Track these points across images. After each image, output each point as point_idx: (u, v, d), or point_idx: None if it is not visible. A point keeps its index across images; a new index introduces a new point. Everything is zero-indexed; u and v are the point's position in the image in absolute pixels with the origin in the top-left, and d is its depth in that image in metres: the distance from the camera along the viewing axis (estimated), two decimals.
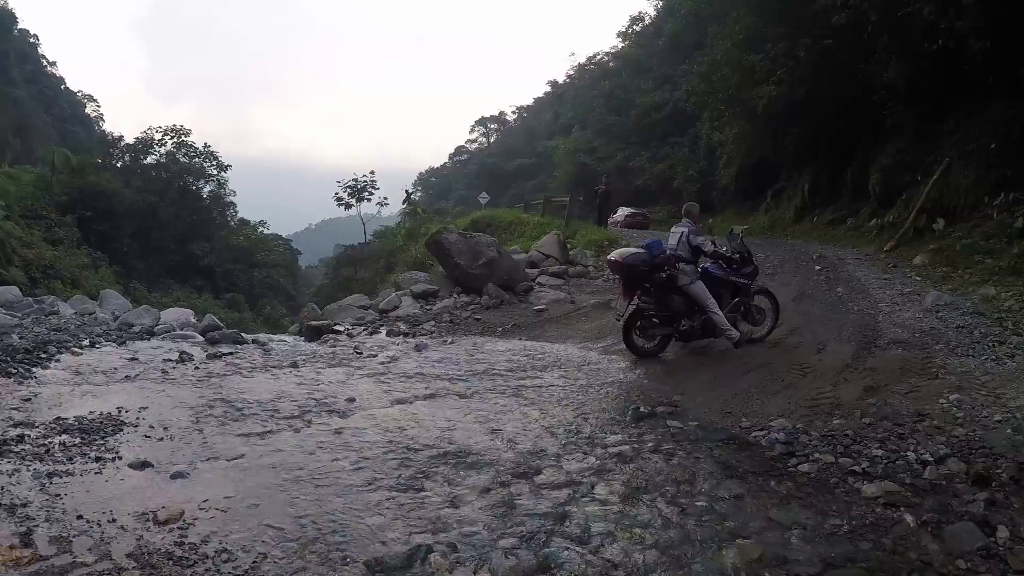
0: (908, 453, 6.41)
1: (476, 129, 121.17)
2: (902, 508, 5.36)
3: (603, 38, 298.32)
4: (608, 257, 10.59)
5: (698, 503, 5.44)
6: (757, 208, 32.74)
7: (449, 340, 11.78)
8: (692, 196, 40.75)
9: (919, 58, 19.65)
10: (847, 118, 24.18)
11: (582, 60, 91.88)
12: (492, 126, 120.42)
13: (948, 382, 8.32)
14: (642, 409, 7.73)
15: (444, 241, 15.59)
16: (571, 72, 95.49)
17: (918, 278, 14.36)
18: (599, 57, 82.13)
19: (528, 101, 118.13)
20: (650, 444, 6.69)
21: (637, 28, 68.98)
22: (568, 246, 19.02)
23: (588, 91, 72.00)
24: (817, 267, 16.20)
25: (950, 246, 15.90)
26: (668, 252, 10.07)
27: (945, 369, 8.85)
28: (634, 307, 10.14)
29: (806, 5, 24.78)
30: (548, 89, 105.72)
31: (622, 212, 36.62)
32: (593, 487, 5.69)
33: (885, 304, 12.55)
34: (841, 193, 25.23)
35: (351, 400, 7.96)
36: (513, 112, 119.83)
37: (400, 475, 5.81)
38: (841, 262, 16.81)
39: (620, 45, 73.40)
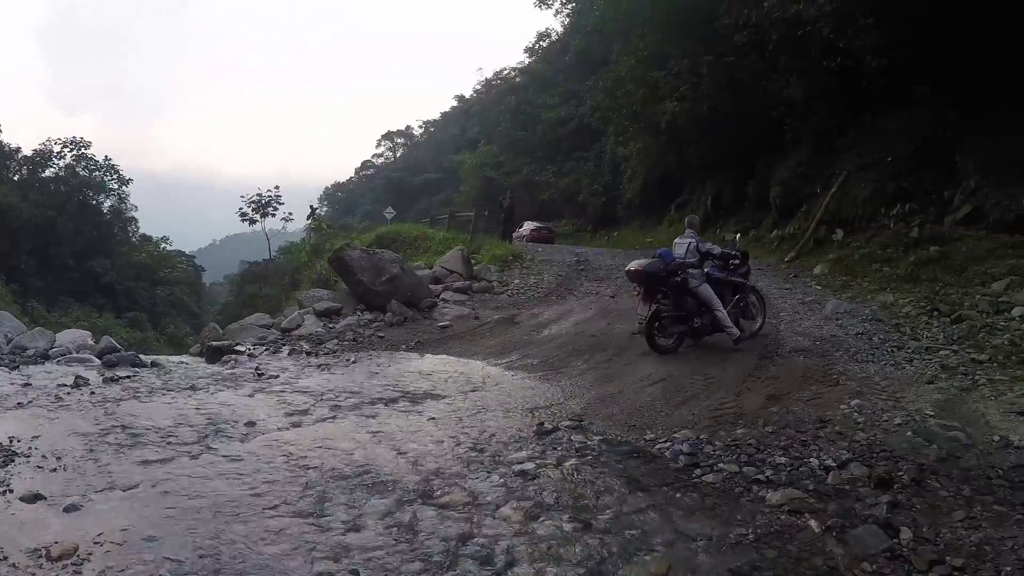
0: (811, 459, 6.28)
1: (383, 143, 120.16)
2: (806, 514, 5.22)
3: (511, 53, 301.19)
4: (627, 268, 11.07)
5: (604, 518, 5.16)
6: (661, 221, 33.07)
7: (352, 359, 11.21)
8: (597, 210, 41.29)
9: (818, 75, 20.13)
10: (749, 133, 24.66)
11: (489, 75, 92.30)
12: (399, 140, 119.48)
13: (849, 388, 8.33)
14: (546, 425, 7.39)
15: (346, 258, 15.05)
16: (478, 87, 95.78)
17: (818, 287, 14.57)
18: (506, 72, 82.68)
19: (435, 116, 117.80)
20: (554, 460, 6.35)
21: (544, 44, 69.87)
22: (472, 261, 18.65)
23: (495, 106, 72.30)
24: None
25: (849, 256, 16.30)
26: (679, 260, 10.76)
27: (846, 375, 8.88)
28: (651, 310, 10.72)
29: (709, 24, 25.24)
30: (455, 103, 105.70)
31: (528, 226, 36.61)
32: (497, 506, 5.35)
33: (787, 313, 12.65)
34: (743, 205, 25.74)
35: (251, 424, 7.35)
36: (420, 126, 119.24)
37: (302, 500, 5.35)
38: None
39: (527, 61, 74.30)
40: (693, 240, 10.95)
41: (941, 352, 9.79)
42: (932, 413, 7.37)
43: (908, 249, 15.30)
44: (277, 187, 44.25)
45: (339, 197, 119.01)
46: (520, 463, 6.27)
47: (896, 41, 16.75)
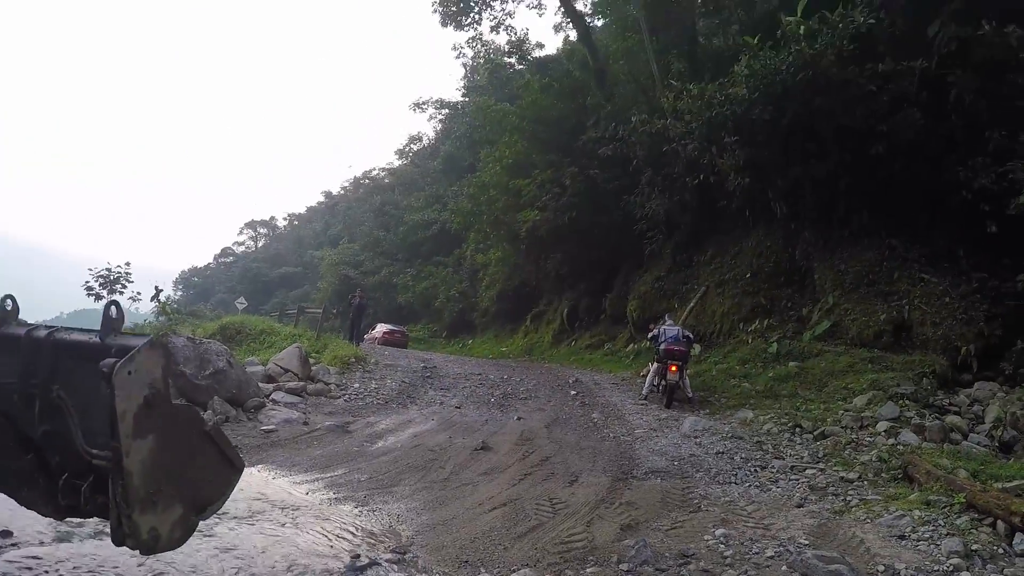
0: None
1: (245, 231, 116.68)
2: None
3: (382, 154, 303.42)
4: (671, 347, 13.97)
5: None
6: (517, 330, 32.60)
7: None
8: (453, 316, 40.61)
9: (681, 191, 20.16)
10: (610, 245, 24.64)
11: (359, 174, 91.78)
12: (262, 230, 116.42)
13: (712, 515, 7.41)
14: (363, 558, 5.96)
15: (169, 345, 13.49)
16: (347, 184, 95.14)
17: (676, 403, 13.82)
18: (375, 172, 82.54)
19: (301, 209, 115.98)
20: None
21: (415, 147, 70.13)
22: (312, 361, 17.14)
23: (361, 204, 71.81)
24: (573, 392, 15.47)
25: (707, 371, 15.94)
26: (678, 337, 14.33)
27: (708, 499, 8.01)
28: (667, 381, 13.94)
29: (575, 136, 25.45)
30: (322, 199, 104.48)
31: (381, 328, 35.29)
32: None
33: (642, 430, 11.76)
34: (600, 318, 25.40)
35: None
36: (285, 218, 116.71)
37: None
38: (597, 387, 16.21)
39: (397, 162, 74.09)
40: (679, 328, 14.86)
41: (807, 471, 9.16)
42: (807, 542, 6.53)
43: (767, 364, 15.17)
44: (128, 263, 41.40)
45: (195, 282, 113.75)
46: None
47: (757, 159, 16.84)
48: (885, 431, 10.57)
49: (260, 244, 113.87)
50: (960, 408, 11.73)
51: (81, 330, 3.68)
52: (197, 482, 3.42)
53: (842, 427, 11.08)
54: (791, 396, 13.35)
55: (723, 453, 10.15)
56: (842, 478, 8.78)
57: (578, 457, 10.07)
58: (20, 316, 3.87)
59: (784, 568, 5.87)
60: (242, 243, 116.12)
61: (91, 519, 4.49)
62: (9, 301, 3.81)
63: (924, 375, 12.84)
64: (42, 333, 3.62)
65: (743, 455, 10.02)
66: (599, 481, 8.77)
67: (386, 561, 5.91)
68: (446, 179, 49.82)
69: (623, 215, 23.18)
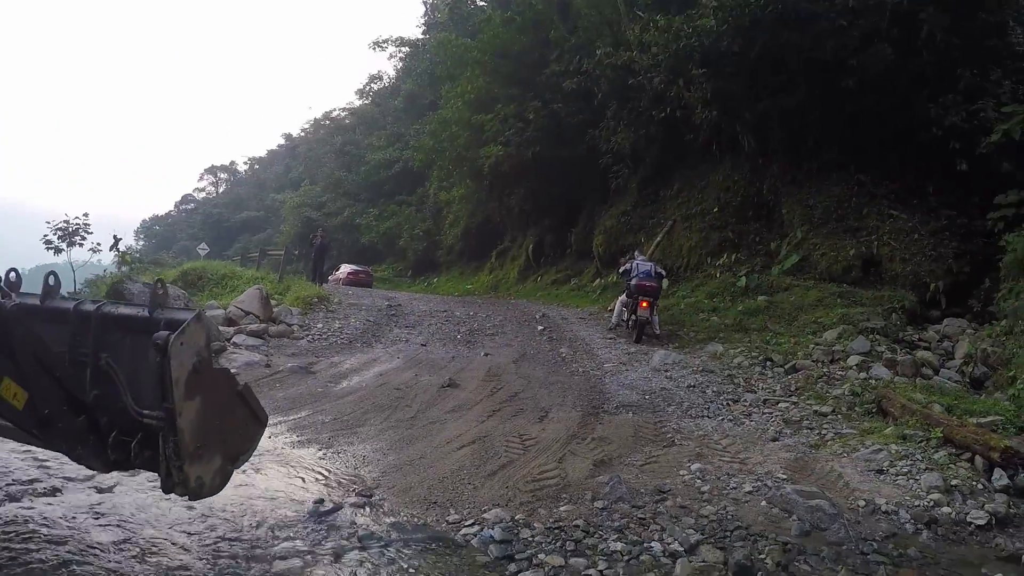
0: (653, 544, 5.06)
1: (205, 177, 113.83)
2: None
3: (342, 94, 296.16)
4: (642, 283, 13.76)
5: None
6: (482, 268, 32.44)
7: None
8: (418, 255, 40.31)
9: (647, 125, 19.83)
10: (574, 180, 24.32)
11: (319, 115, 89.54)
12: (222, 175, 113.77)
13: (687, 449, 7.27)
14: (326, 503, 5.67)
15: (125, 292, 13.27)
16: (307, 126, 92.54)
17: (644, 337, 13.67)
18: (335, 113, 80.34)
19: (262, 153, 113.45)
20: (328, 555, 4.68)
21: (375, 87, 68.62)
22: (274, 302, 16.69)
23: (322, 146, 70.28)
24: (540, 327, 15.24)
25: (675, 304, 15.80)
26: (651, 273, 14.15)
27: (681, 434, 7.86)
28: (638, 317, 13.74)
29: (538, 70, 24.90)
30: (283, 142, 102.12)
31: (345, 269, 34.77)
32: None
33: (612, 364, 11.60)
34: (566, 253, 25.17)
35: None
36: (245, 162, 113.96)
37: None
38: (565, 321, 16.02)
39: (358, 102, 72.52)
40: (652, 263, 14.69)
41: (780, 404, 9.14)
42: (785, 476, 6.43)
43: (736, 298, 15.14)
44: (86, 214, 40.38)
45: (157, 231, 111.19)
46: (285, 558, 4.56)
47: (725, 92, 16.55)
48: (856, 365, 10.51)
49: (221, 189, 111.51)
50: (930, 344, 11.75)
51: (128, 304, 4.23)
52: (231, 435, 3.96)
53: (813, 361, 11.01)
54: (761, 330, 13.30)
55: (694, 387, 10.03)
56: (816, 412, 8.73)
57: (547, 392, 9.87)
58: None
59: (763, 503, 5.76)
60: (203, 189, 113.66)
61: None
62: (52, 277, 4.20)
63: (893, 310, 12.87)
64: (90, 307, 4.05)
65: (715, 388, 9.92)
66: (570, 416, 8.58)
67: (351, 504, 5.67)
68: (408, 117, 48.77)
69: (588, 149, 22.87)
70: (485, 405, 9.27)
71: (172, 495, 3.97)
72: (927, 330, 12.39)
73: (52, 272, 4.18)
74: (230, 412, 3.95)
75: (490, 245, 31.95)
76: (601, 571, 4.61)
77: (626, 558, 4.81)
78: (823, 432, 7.98)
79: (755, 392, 9.74)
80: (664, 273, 14.91)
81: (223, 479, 3.96)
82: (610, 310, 16.34)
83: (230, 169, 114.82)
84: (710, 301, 15.51)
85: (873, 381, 9.78)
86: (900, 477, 6.47)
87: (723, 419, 8.50)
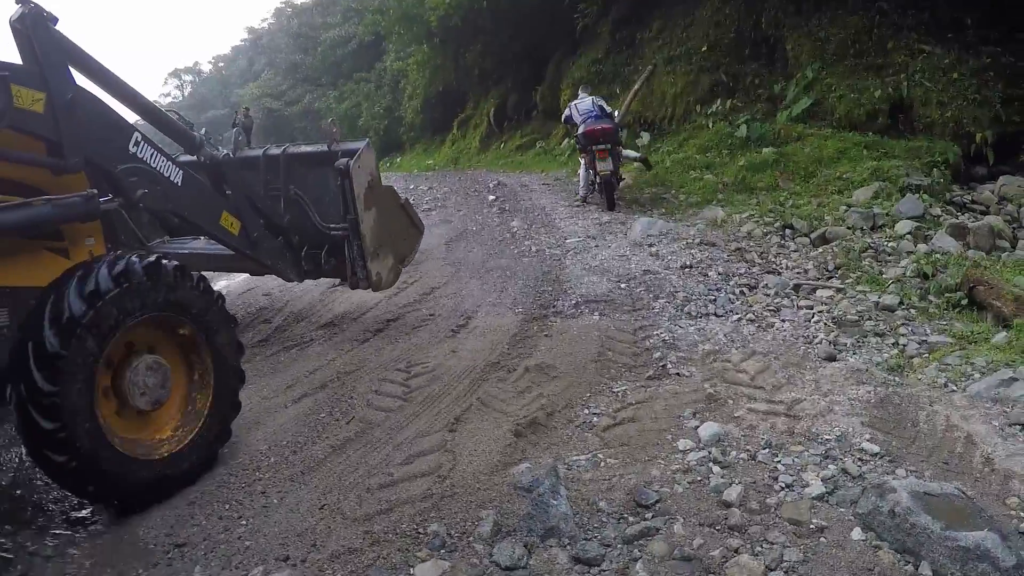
0: None
1: (170, 82, 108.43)
2: None
3: None
4: (591, 128, 10.88)
5: None
6: (444, 141, 29.59)
7: None
8: (380, 134, 37.75)
9: None
10: (537, 29, 20.90)
11: (279, 3, 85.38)
12: (187, 78, 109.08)
13: (688, 385, 4.38)
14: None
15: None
16: (268, 17, 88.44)
17: (621, 202, 10.61)
18: None
19: (226, 50, 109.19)
20: None
21: None
22: None
23: (283, 35, 66.88)
24: (491, 197, 12.22)
25: (659, 162, 12.71)
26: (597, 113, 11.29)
27: (677, 350, 4.94)
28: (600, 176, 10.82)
29: None
30: (246, 36, 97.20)
31: None
32: None
33: (576, 239, 8.50)
34: (531, 115, 22.11)
35: None
36: (210, 62, 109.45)
37: None
38: (524, 189, 13.01)
39: None
40: (595, 96, 11.83)
41: (819, 292, 6.06)
42: (877, 449, 3.52)
43: (735, 152, 12.06)
44: None
45: None
46: None
47: None
48: (911, 233, 7.56)
49: (187, 92, 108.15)
50: (988, 206, 9.11)
51: (308, 143, 5.97)
52: (399, 240, 5.62)
53: (848, 228, 8.03)
54: (770, 189, 10.32)
55: (691, 267, 6.94)
56: (877, 304, 5.73)
57: (479, 284, 6.99)
58: None
59: (858, 535, 2.84)
60: (168, 94, 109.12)
61: None
62: (242, 136, 6.44)
63: (935, 165, 10.18)
64: (276, 151, 5.79)
65: (720, 269, 6.84)
66: (501, 324, 5.69)
67: None
68: None
69: None
70: (378, 312, 6.38)
71: None
72: (977, 190, 9.79)
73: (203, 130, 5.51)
74: (397, 221, 5.60)
75: (452, 115, 29.13)
76: None
77: None
78: (900, 341, 5.01)
79: (779, 273, 6.73)
80: (609, 108, 11.89)
81: (395, 276, 5.64)
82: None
83: (195, 71, 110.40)
84: (703, 156, 12.49)
85: (940, 256, 6.77)
86: None
87: (740, 319, 5.53)
